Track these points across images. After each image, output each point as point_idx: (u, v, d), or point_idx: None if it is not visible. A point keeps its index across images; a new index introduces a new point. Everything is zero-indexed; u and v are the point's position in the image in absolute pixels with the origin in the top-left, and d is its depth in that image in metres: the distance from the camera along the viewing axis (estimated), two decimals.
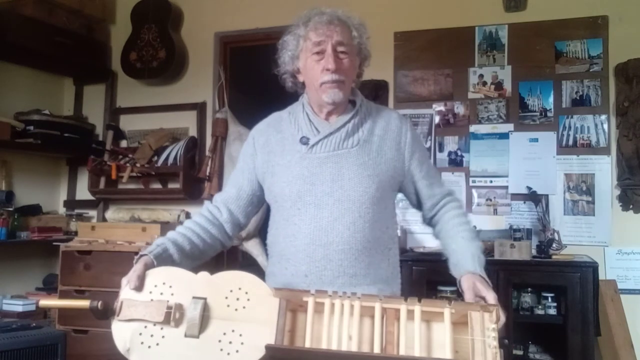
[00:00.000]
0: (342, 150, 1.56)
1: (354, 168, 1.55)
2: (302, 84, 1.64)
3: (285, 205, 1.58)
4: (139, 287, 1.34)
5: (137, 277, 1.34)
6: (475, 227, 1.69)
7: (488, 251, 2.95)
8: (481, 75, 3.34)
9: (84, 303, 1.33)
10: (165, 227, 3.10)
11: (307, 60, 1.56)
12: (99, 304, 1.31)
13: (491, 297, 1.33)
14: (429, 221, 1.70)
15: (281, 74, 1.66)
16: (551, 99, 3.21)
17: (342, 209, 1.52)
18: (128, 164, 3.72)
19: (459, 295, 3.00)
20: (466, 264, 1.47)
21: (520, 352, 2.92)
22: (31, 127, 3.54)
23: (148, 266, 1.39)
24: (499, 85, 3.31)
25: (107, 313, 1.33)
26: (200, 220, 1.62)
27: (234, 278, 1.34)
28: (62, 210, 4.07)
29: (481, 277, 1.42)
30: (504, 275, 2.82)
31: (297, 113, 1.65)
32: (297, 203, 1.55)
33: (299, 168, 1.56)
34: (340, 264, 1.52)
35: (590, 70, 3.17)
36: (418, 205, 1.70)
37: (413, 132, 1.66)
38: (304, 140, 1.58)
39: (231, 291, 1.32)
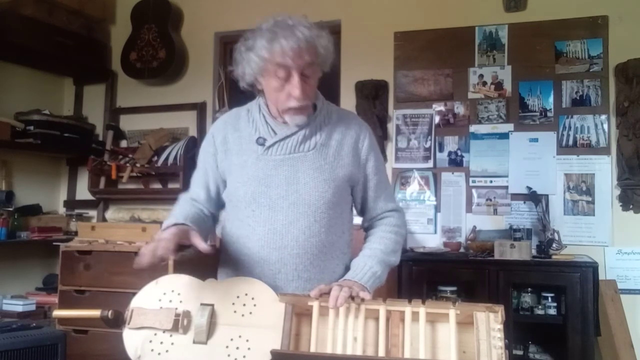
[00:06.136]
0: (299, 154, 1.53)
1: (310, 172, 1.52)
2: (260, 90, 1.56)
3: (239, 206, 1.56)
4: (174, 249, 1.33)
5: (174, 234, 1.35)
6: (401, 240, 1.64)
7: (488, 251, 2.96)
8: (481, 75, 3.33)
9: (95, 313, 1.36)
10: None
11: (271, 80, 1.47)
12: (110, 313, 1.34)
13: (335, 292, 1.29)
14: (365, 230, 1.68)
15: (235, 78, 1.58)
16: (551, 99, 3.21)
17: (297, 213, 1.50)
18: (128, 164, 3.72)
19: (459, 295, 3.02)
20: (350, 274, 1.48)
21: (520, 352, 2.92)
22: (31, 127, 3.54)
23: (180, 229, 1.39)
24: (499, 85, 3.31)
25: (117, 322, 1.35)
26: (191, 202, 1.61)
27: (241, 284, 1.36)
28: (62, 210, 4.07)
29: (357, 282, 1.42)
30: (504, 275, 2.82)
31: (254, 112, 1.60)
32: (251, 204, 1.52)
33: (254, 169, 1.53)
34: (294, 267, 1.50)
35: (590, 70, 3.16)
36: (361, 212, 1.68)
37: (371, 141, 1.62)
38: (260, 141, 1.55)
39: (238, 297, 1.33)
